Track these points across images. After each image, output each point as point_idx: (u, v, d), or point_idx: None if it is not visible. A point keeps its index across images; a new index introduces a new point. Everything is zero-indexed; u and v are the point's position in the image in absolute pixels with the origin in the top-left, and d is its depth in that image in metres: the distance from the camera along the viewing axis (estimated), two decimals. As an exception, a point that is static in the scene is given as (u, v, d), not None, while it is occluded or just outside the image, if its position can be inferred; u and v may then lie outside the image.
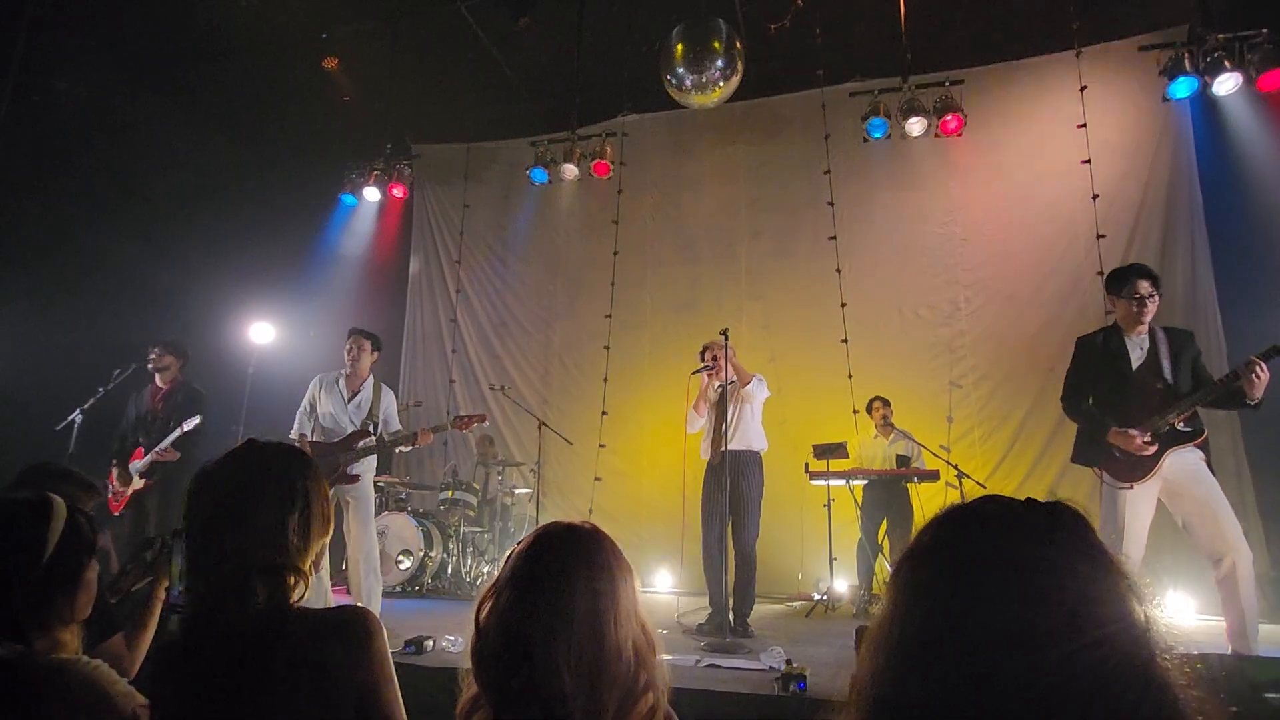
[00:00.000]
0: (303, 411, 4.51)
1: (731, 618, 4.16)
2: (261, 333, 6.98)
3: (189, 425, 4.65)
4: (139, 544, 1.86)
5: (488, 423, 5.22)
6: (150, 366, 4.88)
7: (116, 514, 4.59)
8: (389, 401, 4.56)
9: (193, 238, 7.04)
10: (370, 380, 4.55)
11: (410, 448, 4.49)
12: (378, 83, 7.36)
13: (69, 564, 1.40)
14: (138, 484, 4.64)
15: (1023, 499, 0.74)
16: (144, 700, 1.31)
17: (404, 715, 1.21)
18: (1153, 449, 3.21)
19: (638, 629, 1.03)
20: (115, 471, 4.67)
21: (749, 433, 4.51)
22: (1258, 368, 3.03)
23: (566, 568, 1.02)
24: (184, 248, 6.96)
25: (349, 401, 4.45)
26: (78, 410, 4.86)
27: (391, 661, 1.21)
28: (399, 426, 4.61)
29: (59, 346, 5.97)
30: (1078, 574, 0.66)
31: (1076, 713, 0.60)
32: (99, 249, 6.43)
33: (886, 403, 5.83)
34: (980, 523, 0.73)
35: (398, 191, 7.49)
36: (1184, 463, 3.23)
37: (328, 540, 1.33)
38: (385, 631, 1.23)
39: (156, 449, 4.61)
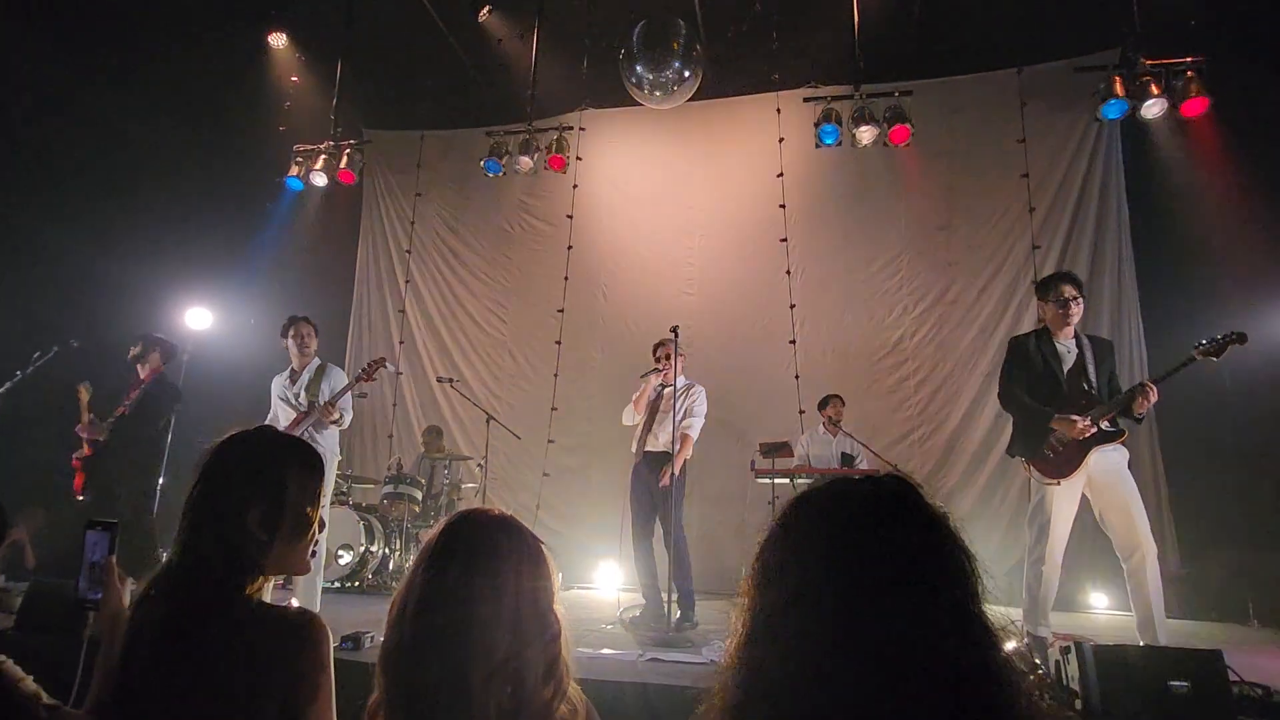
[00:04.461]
0: (270, 417, 4.38)
1: (676, 612, 4.27)
2: (198, 318, 6.70)
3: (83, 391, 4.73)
4: None
5: (391, 367, 5.04)
6: (130, 358, 4.89)
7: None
8: (335, 380, 4.35)
9: (126, 219, 6.70)
10: (314, 362, 4.42)
11: (332, 428, 4.30)
12: (329, 64, 7.15)
13: None
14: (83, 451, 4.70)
15: (860, 477, 0.80)
16: (51, 701, 1.26)
17: None
18: (1092, 431, 3.39)
19: (546, 613, 1.04)
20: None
21: (667, 438, 4.59)
22: (1149, 390, 3.34)
23: (476, 551, 1.02)
24: (116, 228, 6.62)
25: (292, 387, 4.34)
26: (-8, 394, 4.61)
27: (331, 673, 1.19)
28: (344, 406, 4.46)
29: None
30: (907, 550, 0.72)
31: (908, 671, 0.66)
32: (24, 228, 6.07)
33: (841, 401, 5.94)
34: (819, 509, 0.78)
35: (346, 178, 7.29)
36: (1109, 461, 3.43)
37: (310, 537, 1.31)
38: (332, 640, 1.22)
39: (90, 427, 4.64)
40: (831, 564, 0.71)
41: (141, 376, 4.89)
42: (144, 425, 4.74)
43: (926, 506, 0.76)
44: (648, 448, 4.54)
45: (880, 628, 0.67)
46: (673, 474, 4.41)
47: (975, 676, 0.66)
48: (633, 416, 4.78)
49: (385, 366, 4.58)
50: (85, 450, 4.67)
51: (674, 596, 4.28)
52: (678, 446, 4.51)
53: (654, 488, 4.45)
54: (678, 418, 4.49)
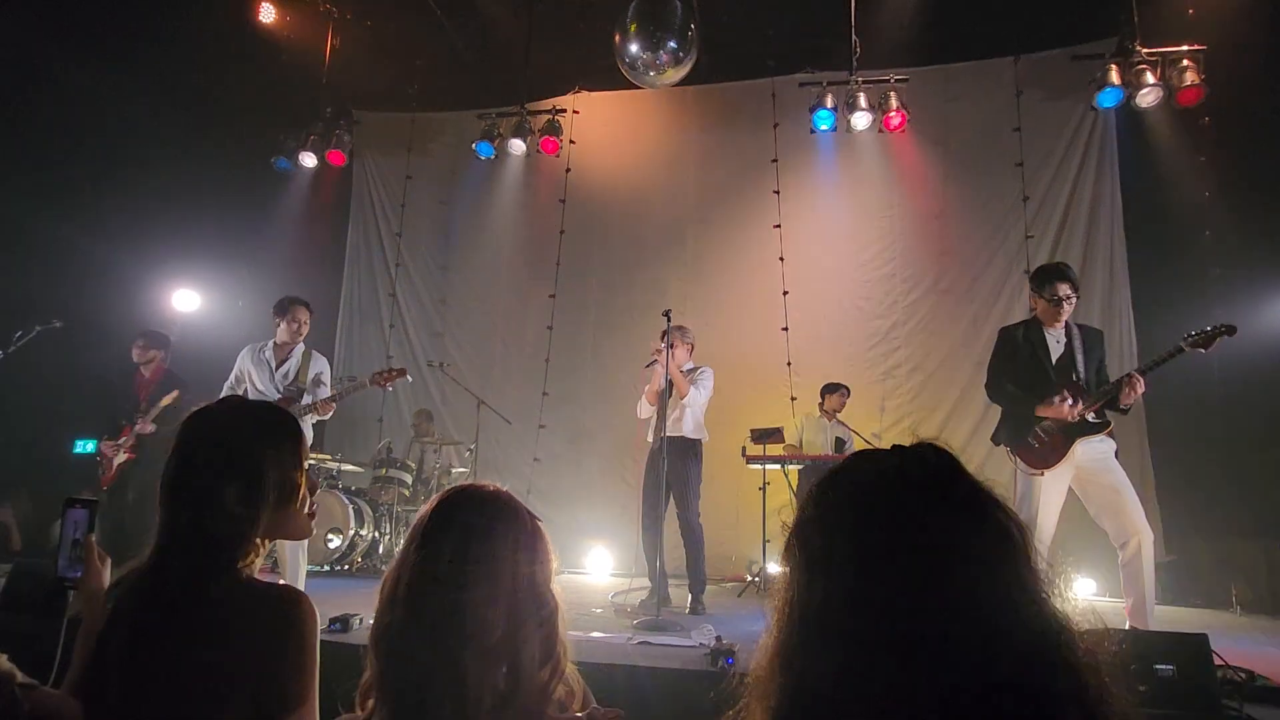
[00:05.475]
0: (229, 385, 4.31)
1: (689, 599, 4.39)
2: (185, 300, 6.64)
3: (167, 399, 4.86)
4: None
5: (411, 379, 5.04)
6: (135, 359, 4.99)
7: (105, 488, 4.77)
8: (320, 369, 4.33)
9: (112, 198, 6.59)
10: (300, 347, 4.36)
11: (315, 418, 4.25)
12: (319, 44, 7.03)
13: None
14: (121, 458, 4.78)
15: (889, 448, 0.75)
16: (27, 680, 1.23)
17: (315, 705, 1.16)
18: (1078, 413, 3.38)
19: (543, 593, 1.02)
20: (108, 443, 4.85)
21: (687, 422, 4.63)
22: (1135, 381, 3.32)
23: (471, 528, 1.00)
24: (102, 208, 6.51)
25: (276, 370, 4.28)
26: (-26, 374, 4.55)
27: (316, 653, 1.16)
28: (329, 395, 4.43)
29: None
30: (958, 530, 0.68)
31: (981, 669, 0.62)
32: (7, 207, 5.96)
33: (846, 392, 5.94)
34: (858, 490, 0.73)
35: (336, 159, 7.19)
36: (1095, 452, 3.42)
37: (301, 499, 1.27)
38: (318, 619, 1.19)
39: (139, 422, 4.79)
40: (876, 562, 0.67)
41: (147, 376, 4.99)
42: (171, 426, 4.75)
43: (969, 477, 0.73)
44: (669, 433, 4.49)
45: (950, 609, 0.63)
46: (660, 357, 4.46)
47: (1041, 658, 0.63)
48: (647, 409, 4.76)
49: (406, 378, 4.61)
50: (127, 456, 4.76)
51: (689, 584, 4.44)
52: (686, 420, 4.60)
53: (672, 474, 4.45)
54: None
